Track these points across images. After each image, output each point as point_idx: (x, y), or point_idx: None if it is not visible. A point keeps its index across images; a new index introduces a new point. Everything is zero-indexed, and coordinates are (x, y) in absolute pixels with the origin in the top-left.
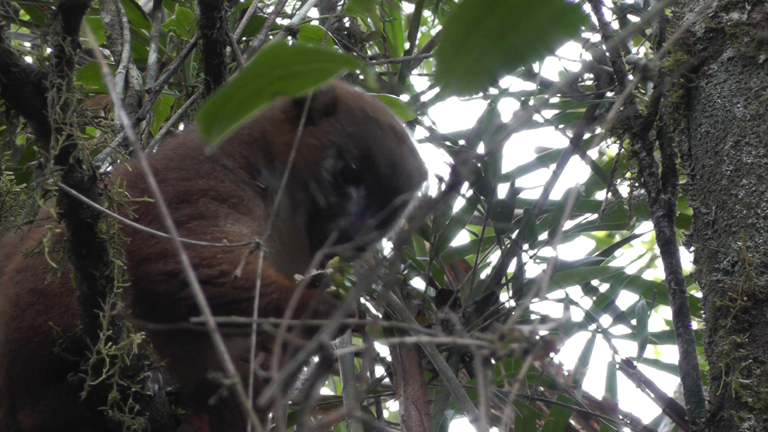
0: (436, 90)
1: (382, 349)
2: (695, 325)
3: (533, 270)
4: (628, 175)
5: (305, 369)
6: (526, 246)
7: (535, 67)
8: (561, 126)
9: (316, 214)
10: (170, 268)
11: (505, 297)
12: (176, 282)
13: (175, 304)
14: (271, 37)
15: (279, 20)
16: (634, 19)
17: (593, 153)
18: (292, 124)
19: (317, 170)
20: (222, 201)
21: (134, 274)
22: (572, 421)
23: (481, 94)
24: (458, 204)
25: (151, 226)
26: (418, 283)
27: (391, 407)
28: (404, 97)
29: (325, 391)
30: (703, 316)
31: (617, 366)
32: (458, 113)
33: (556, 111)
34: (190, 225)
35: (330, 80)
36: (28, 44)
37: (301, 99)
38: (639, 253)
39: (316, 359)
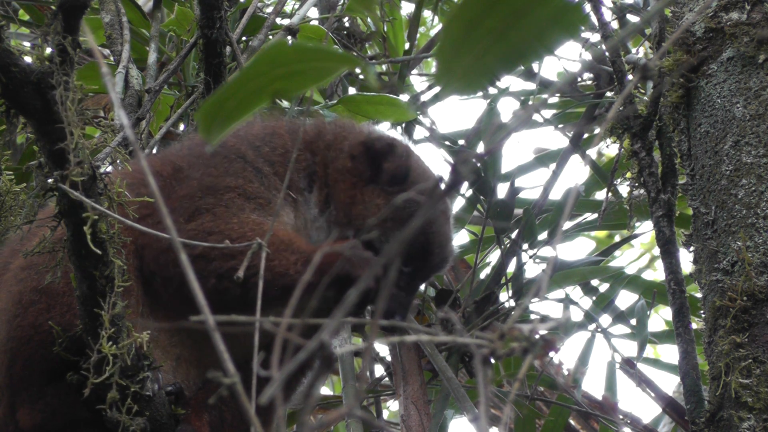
0: (436, 89)
1: (382, 349)
2: (695, 325)
3: (533, 270)
4: (627, 175)
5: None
6: (525, 246)
7: (535, 66)
8: (561, 126)
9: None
10: (198, 251)
11: (504, 297)
12: (204, 260)
13: (204, 278)
14: (270, 37)
15: (279, 20)
16: (633, 18)
17: (593, 153)
18: (360, 179)
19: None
20: (248, 199)
21: (156, 263)
22: (572, 421)
23: (480, 93)
24: (458, 204)
25: (172, 217)
26: None
27: (391, 407)
28: (404, 97)
29: (325, 390)
30: (703, 316)
31: (617, 366)
32: (458, 113)
33: (556, 111)
34: (216, 210)
35: (329, 79)
36: (28, 44)
37: (372, 147)
38: (639, 253)
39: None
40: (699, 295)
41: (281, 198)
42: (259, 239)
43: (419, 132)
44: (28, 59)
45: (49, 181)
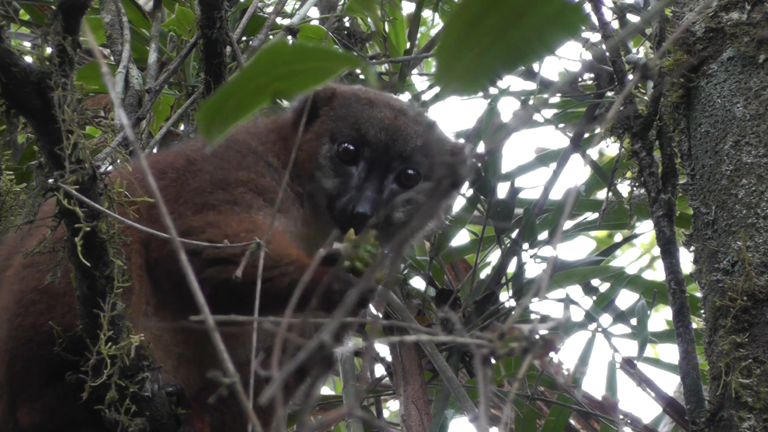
0: (437, 89)
1: (382, 349)
2: (695, 325)
3: (533, 270)
4: (628, 174)
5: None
6: (526, 246)
7: (535, 66)
8: (561, 125)
9: (330, 199)
10: (192, 246)
11: (505, 297)
12: (198, 260)
13: (199, 283)
14: (271, 36)
15: (279, 20)
16: (634, 18)
17: (593, 153)
18: (297, 126)
19: (317, 159)
20: (259, 193)
21: (160, 253)
22: (572, 421)
23: (481, 93)
24: (458, 203)
25: (182, 209)
26: (418, 282)
27: (391, 407)
28: (405, 97)
29: (325, 390)
30: (703, 315)
31: (617, 365)
32: (458, 113)
33: (556, 110)
34: (221, 208)
35: (330, 79)
36: (28, 44)
37: (313, 97)
38: (639, 253)
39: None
40: (699, 295)
41: (279, 199)
42: (257, 238)
43: None
44: (28, 59)
45: (50, 181)
